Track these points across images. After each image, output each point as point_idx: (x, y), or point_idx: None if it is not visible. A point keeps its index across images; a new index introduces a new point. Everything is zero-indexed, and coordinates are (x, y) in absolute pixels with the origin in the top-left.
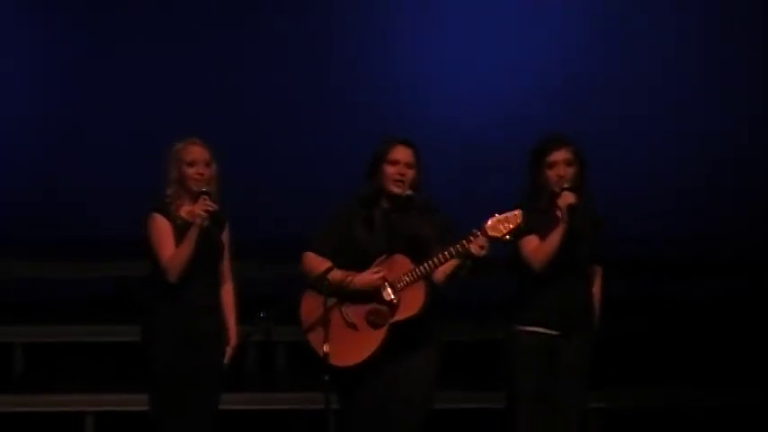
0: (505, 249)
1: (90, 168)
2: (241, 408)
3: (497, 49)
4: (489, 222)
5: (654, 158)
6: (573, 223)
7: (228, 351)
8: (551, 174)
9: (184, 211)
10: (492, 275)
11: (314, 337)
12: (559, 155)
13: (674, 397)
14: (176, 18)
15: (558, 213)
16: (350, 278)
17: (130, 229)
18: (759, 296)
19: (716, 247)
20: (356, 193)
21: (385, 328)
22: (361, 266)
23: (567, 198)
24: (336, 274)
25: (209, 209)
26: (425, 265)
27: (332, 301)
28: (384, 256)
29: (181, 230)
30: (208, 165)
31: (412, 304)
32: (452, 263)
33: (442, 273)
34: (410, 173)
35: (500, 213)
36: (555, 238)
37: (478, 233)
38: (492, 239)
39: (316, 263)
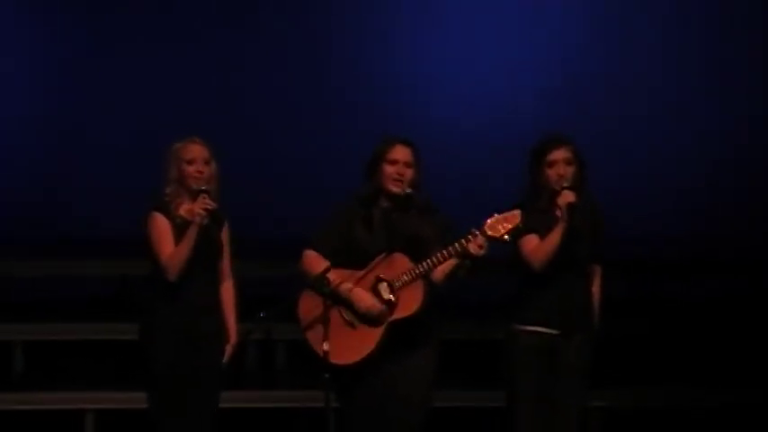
0: (505, 249)
1: (90, 168)
2: (241, 406)
3: (497, 49)
4: (488, 222)
5: (654, 158)
6: (573, 222)
7: (228, 350)
8: (551, 173)
9: (184, 209)
10: (491, 275)
11: (312, 336)
12: (559, 154)
13: (674, 397)
14: (176, 18)
15: (558, 212)
16: (347, 287)
17: (131, 229)
18: (759, 296)
19: (716, 247)
20: (356, 192)
21: (383, 327)
22: (361, 265)
23: (567, 197)
24: (334, 276)
25: (209, 207)
26: (424, 264)
27: (330, 300)
28: (383, 255)
29: (180, 229)
30: (207, 163)
31: (410, 303)
32: (451, 262)
33: (441, 272)
34: (409, 172)
35: (499, 213)
36: (555, 237)
37: (477, 233)
38: (491, 239)
39: (315, 262)
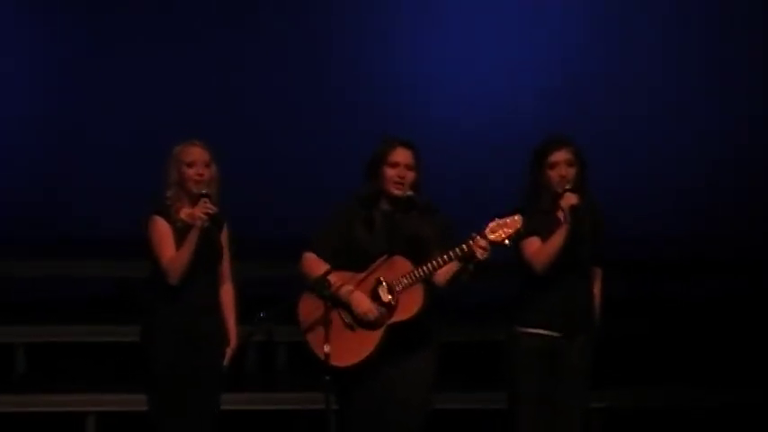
0: (506, 251)
1: (90, 168)
2: (241, 408)
3: (497, 49)
4: (489, 226)
5: (654, 158)
6: (575, 224)
7: (228, 352)
8: (552, 174)
9: (184, 213)
10: (492, 277)
11: (312, 338)
12: (560, 155)
13: (674, 397)
14: (176, 18)
15: (561, 214)
16: (347, 290)
17: (131, 229)
18: (759, 296)
19: (716, 247)
20: (356, 193)
21: (382, 330)
22: (362, 267)
23: (570, 199)
24: (334, 279)
25: (210, 211)
26: (424, 267)
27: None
28: (384, 258)
29: (181, 232)
30: (207, 166)
31: (409, 307)
32: (453, 266)
33: (443, 276)
34: (410, 174)
35: (500, 218)
36: (557, 239)
37: (478, 237)
38: (491, 244)
39: (315, 264)
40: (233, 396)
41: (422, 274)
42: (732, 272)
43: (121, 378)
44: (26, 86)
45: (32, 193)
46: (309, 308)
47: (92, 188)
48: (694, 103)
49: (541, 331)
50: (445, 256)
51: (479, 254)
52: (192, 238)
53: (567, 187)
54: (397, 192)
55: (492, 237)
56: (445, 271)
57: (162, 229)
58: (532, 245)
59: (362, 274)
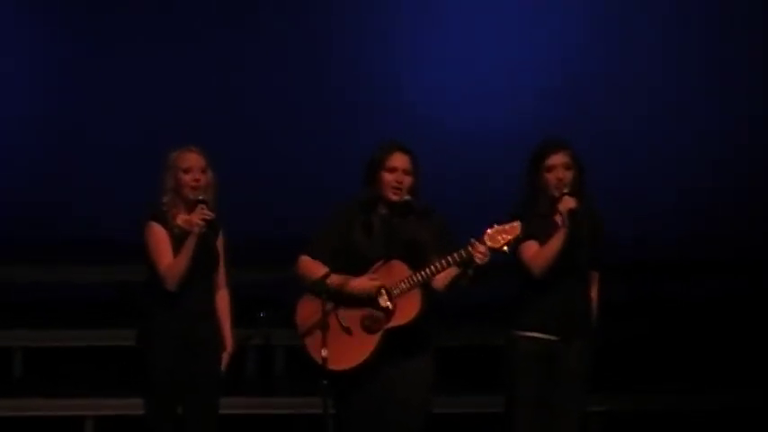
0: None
1: (90, 168)
2: (240, 412)
3: (497, 49)
4: (488, 232)
5: (654, 158)
6: (573, 228)
7: (225, 357)
8: (550, 177)
9: (182, 219)
10: (492, 281)
11: (310, 342)
12: (557, 158)
13: (674, 398)
14: (176, 18)
15: (559, 218)
16: (347, 282)
17: (131, 230)
18: (759, 296)
19: (716, 247)
20: (355, 196)
21: (379, 334)
22: (360, 272)
23: (568, 203)
24: (335, 279)
25: (207, 217)
26: (423, 272)
27: (329, 305)
28: (381, 262)
29: (178, 239)
30: (204, 172)
31: (407, 312)
32: (452, 271)
33: (442, 281)
34: (408, 179)
35: (499, 224)
36: (555, 243)
37: (476, 242)
38: (490, 250)
39: (312, 267)
40: (231, 400)
41: (420, 278)
42: (732, 272)
43: (120, 382)
44: (26, 86)
45: (32, 193)
46: (307, 312)
47: (92, 188)
48: (694, 103)
49: (539, 335)
50: (443, 261)
51: (478, 259)
52: (190, 244)
53: (565, 191)
54: (394, 197)
55: (490, 243)
56: (444, 276)
57: (159, 236)
58: (530, 248)
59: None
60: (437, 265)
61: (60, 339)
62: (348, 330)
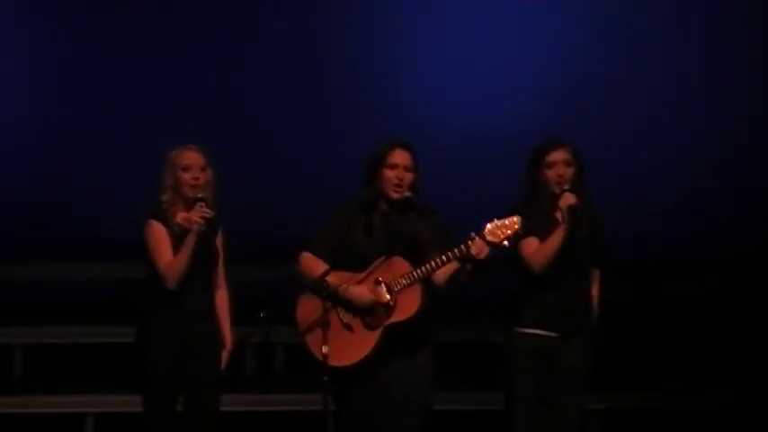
0: (504, 251)
1: (90, 168)
2: (240, 409)
3: (497, 49)
4: (488, 227)
5: (654, 158)
6: (573, 224)
7: (225, 355)
8: (550, 174)
9: (181, 217)
10: (491, 277)
11: (311, 339)
12: (558, 155)
13: (674, 398)
14: (176, 18)
15: (559, 215)
16: (344, 287)
17: (131, 230)
18: (759, 296)
19: (716, 247)
20: (356, 196)
21: (380, 330)
22: (360, 269)
23: (568, 199)
24: (333, 279)
25: (206, 215)
26: (423, 268)
27: (329, 303)
28: (382, 258)
29: (178, 237)
30: (203, 170)
31: (408, 307)
32: (452, 266)
33: (442, 276)
34: (408, 176)
35: (498, 219)
36: (555, 239)
37: (476, 237)
38: (490, 245)
39: (313, 265)
40: (231, 397)
41: (420, 274)
42: (732, 272)
43: (120, 380)
44: (26, 86)
45: (32, 193)
46: (308, 309)
47: (92, 188)
48: (694, 103)
49: (539, 332)
50: (444, 257)
51: (478, 254)
52: (190, 242)
53: (566, 187)
54: (395, 195)
55: (490, 238)
56: (444, 271)
57: (158, 234)
58: (530, 245)
59: (361, 275)
60: (437, 260)
61: (60, 336)
62: (349, 327)
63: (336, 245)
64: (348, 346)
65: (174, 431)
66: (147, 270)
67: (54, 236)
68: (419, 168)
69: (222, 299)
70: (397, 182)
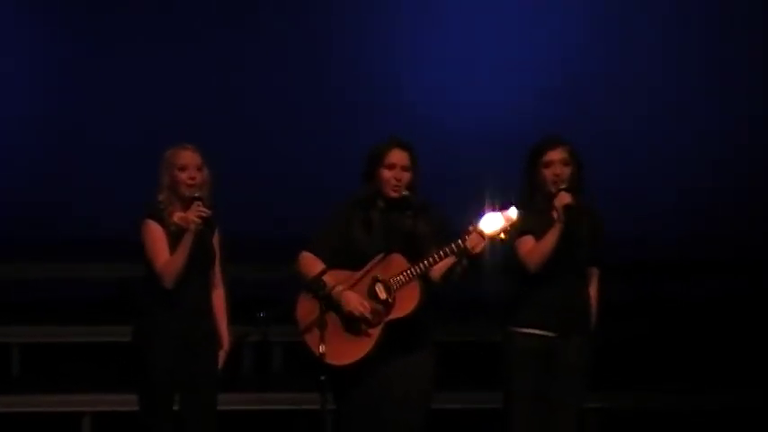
0: (503, 250)
1: (90, 168)
2: (237, 408)
3: (497, 49)
4: (485, 220)
5: (654, 158)
6: (569, 224)
7: (222, 355)
8: (548, 173)
9: (178, 216)
10: (491, 276)
11: (311, 338)
12: (555, 154)
13: (673, 397)
14: (176, 18)
15: (554, 214)
16: (338, 291)
17: (130, 230)
18: (759, 296)
19: (716, 247)
20: (354, 195)
21: (380, 327)
22: (359, 267)
23: (564, 198)
24: (329, 278)
25: (203, 215)
26: (421, 264)
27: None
28: (380, 256)
29: (175, 236)
30: (199, 169)
31: (407, 304)
32: (450, 262)
33: (439, 272)
34: (406, 176)
35: (495, 212)
36: (550, 238)
37: (473, 231)
38: (486, 238)
39: (311, 264)
40: (229, 396)
41: (418, 270)
42: (732, 272)
43: (118, 379)
44: (26, 86)
45: (32, 193)
46: (307, 308)
47: (92, 188)
48: (694, 103)
49: (537, 331)
50: (441, 252)
51: (474, 248)
52: (187, 242)
53: (562, 187)
54: (393, 194)
55: (487, 231)
56: (440, 267)
57: (155, 234)
58: (527, 244)
59: (359, 273)
60: (435, 256)
61: (58, 336)
62: (348, 325)
63: (336, 245)
64: (348, 345)
65: (173, 431)
66: (144, 269)
67: (54, 236)
68: (417, 167)
69: (219, 298)
70: (395, 182)
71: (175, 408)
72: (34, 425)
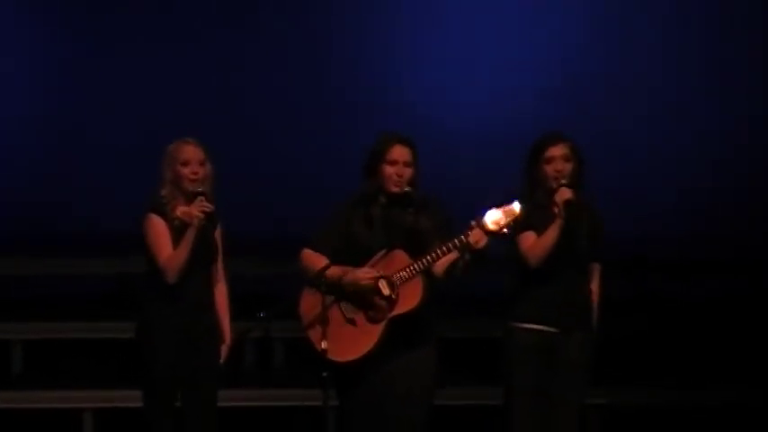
0: (504, 245)
1: (90, 168)
2: (239, 404)
3: (497, 49)
4: (487, 215)
5: (654, 158)
6: (569, 219)
7: (224, 350)
8: (549, 169)
9: (181, 211)
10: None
11: (314, 334)
12: (556, 150)
13: (673, 397)
14: (176, 18)
15: (555, 209)
16: (348, 274)
17: (131, 229)
18: (759, 296)
19: (716, 247)
20: (355, 192)
21: (383, 323)
22: (362, 264)
23: (564, 194)
24: (333, 272)
25: (206, 210)
26: (423, 260)
27: (330, 297)
28: (383, 252)
29: (177, 231)
30: (202, 164)
31: (410, 299)
32: (451, 257)
33: (441, 267)
34: (408, 171)
35: (498, 207)
36: (551, 233)
37: (476, 226)
38: (490, 233)
39: (313, 260)
40: (231, 392)
41: (421, 266)
42: (732, 272)
43: (119, 375)
44: (26, 86)
45: (32, 193)
46: (310, 304)
47: (92, 188)
48: (694, 103)
49: (538, 326)
50: (444, 248)
51: (476, 244)
52: (190, 236)
53: (563, 182)
54: (395, 189)
55: (490, 226)
56: (442, 262)
57: (158, 228)
58: (528, 239)
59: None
60: (438, 251)
61: (59, 332)
62: (352, 321)
63: (337, 244)
64: (351, 341)
65: (174, 427)
66: (146, 264)
67: (54, 236)
68: (419, 163)
69: (221, 293)
70: (396, 178)
71: (177, 404)
72: (35, 421)
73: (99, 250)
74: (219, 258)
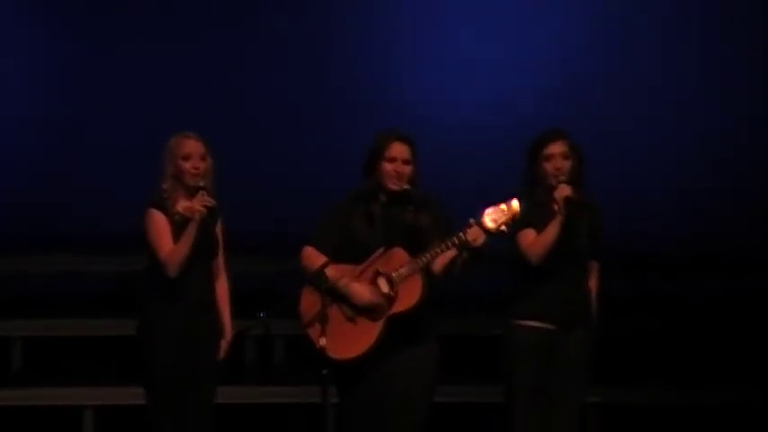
0: (504, 243)
1: (90, 168)
2: (239, 401)
3: (497, 49)
4: (486, 213)
5: (654, 158)
6: (569, 216)
7: (223, 345)
8: (548, 166)
9: (182, 206)
10: (492, 269)
11: (314, 332)
12: (556, 147)
13: (673, 396)
14: (176, 18)
15: (555, 206)
16: (344, 282)
17: (131, 229)
18: (759, 296)
19: (716, 247)
20: (354, 190)
21: (382, 321)
22: (361, 260)
23: (564, 191)
24: (332, 272)
25: (208, 204)
26: (422, 257)
27: (328, 296)
28: (382, 250)
29: (178, 225)
30: (203, 158)
31: (409, 297)
32: (450, 255)
33: (440, 265)
34: (407, 169)
35: (496, 204)
36: (551, 231)
37: (474, 224)
38: (489, 231)
39: (314, 257)
40: (231, 389)
41: (420, 264)
42: (732, 272)
43: (119, 372)
44: (26, 86)
45: (32, 193)
46: (310, 301)
47: (92, 188)
48: (694, 103)
49: (538, 324)
50: (443, 245)
51: (474, 241)
52: (191, 231)
53: (562, 179)
54: (394, 187)
55: (489, 224)
56: (441, 260)
57: (159, 223)
58: (528, 236)
59: (361, 267)
60: (436, 249)
61: (59, 329)
62: (351, 319)
63: (336, 243)
64: (351, 339)
65: (174, 426)
66: (147, 259)
67: (54, 236)
68: (418, 160)
69: (222, 287)
70: (395, 175)
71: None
72: (35, 418)
73: (99, 250)
74: (221, 253)
